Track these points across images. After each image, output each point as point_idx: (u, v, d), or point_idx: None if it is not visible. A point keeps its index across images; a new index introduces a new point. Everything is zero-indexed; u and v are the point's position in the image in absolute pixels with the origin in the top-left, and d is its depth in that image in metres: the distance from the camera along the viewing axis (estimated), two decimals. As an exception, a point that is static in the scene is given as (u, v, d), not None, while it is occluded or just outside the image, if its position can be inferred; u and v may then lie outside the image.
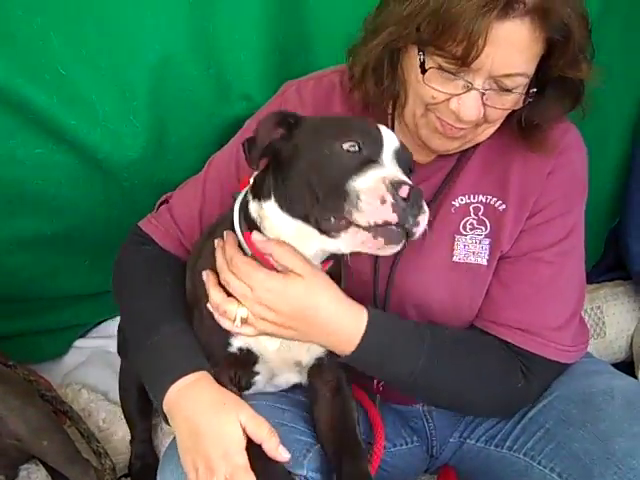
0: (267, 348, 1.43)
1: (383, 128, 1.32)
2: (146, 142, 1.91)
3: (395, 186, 1.19)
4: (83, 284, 2.25)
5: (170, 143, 1.96)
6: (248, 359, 1.44)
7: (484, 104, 1.39)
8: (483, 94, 1.37)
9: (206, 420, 1.35)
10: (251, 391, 1.53)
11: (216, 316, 1.38)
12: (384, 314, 1.49)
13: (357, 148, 1.26)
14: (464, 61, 1.33)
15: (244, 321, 1.35)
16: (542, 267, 1.55)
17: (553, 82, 1.45)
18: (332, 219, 1.23)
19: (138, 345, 1.49)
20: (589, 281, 2.08)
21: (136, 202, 1.92)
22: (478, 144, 1.53)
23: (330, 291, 1.35)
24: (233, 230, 1.40)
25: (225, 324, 1.36)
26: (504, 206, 1.54)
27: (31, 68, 1.76)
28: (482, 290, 1.56)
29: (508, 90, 1.38)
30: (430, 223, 1.30)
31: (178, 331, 1.45)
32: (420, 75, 1.39)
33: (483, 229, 1.54)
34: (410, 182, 1.23)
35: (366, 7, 1.73)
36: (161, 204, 1.74)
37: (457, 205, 1.55)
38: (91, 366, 2.27)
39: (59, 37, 1.77)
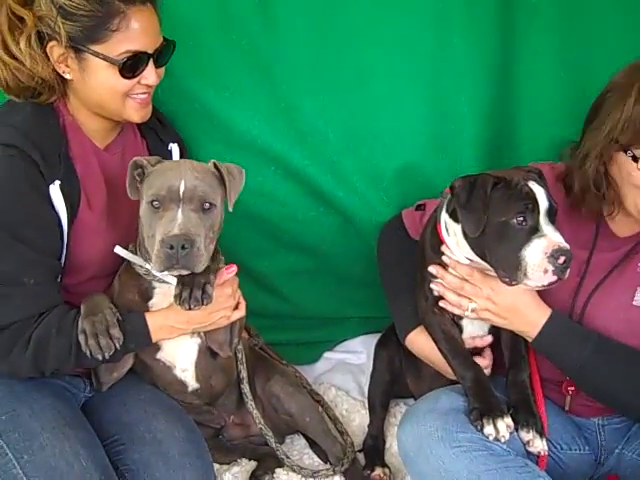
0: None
1: (536, 189, 1.82)
2: (394, 212, 2.46)
3: (555, 256, 1.76)
4: (335, 310, 2.82)
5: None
6: None
7: None
8: None
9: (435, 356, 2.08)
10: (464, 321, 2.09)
11: (449, 307, 2.03)
12: (563, 315, 1.99)
13: (523, 220, 1.80)
14: None
15: (472, 311, 1.98)
16: None
17: None
18: (506, 277, 1.83)
19: (388, 298, 2.27)
20: None
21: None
22: None
23: (529, 293, 1.94)
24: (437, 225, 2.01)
25: (456, 311, 2.01)
26: None
27: (314, 155, 2.42)
28: None
29: None
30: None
31: (406, 300, 2.18)
32: (633, 166, 1.81)
33: None
34: (563, 242, 1.76)
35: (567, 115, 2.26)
36: (418, 207, 2.33)
37: None
38: (336, 372, 2.80)
39: (335, 133, 2.41)
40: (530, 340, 1.99)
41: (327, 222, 2.55)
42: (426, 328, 2.12)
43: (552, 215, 1.84)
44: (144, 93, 1.98)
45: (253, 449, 2.34)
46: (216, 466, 2.24)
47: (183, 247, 1.75)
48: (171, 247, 1.75)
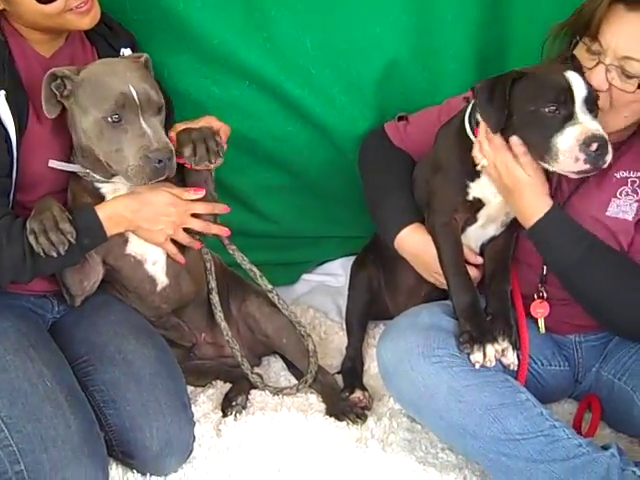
0: (492, 198, 1.99)
1: (573, 78, 1.78)
2: (373, 125, 2.40)
3: (587, 143, 1.72)
4: (313, 228, 2.77)
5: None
6: (477, 207, 2.01)
7: (609, 83, 1.81)
8: (608, 71, 1.79)
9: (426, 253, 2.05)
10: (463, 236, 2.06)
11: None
12: (565, 212, 1.94)
13: (555, 109, 1.77)
14: (594, 36, 1.79)
15: (482, 168, 1.94)
16: None
17: None
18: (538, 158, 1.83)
19: (373, 204, 2.24)
20: None
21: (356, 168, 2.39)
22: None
23: (538, 181, 1.88)
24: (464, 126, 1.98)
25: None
26: None
27: (291, 68, 2.33)
28: (627, 238, 1.95)
29: (630, 77, 1.78)
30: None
31: (396, 201, 2.16)
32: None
33: (635, 196, 1.95)
34: (598, 130, 1.73)
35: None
36: (400, 118, 2.29)
37: (618, 177, 1.96)
38: (315, 294, 2.78)
39: (312, 44, 2.31)
40: (528, 226, 1.92)
41: (305, 137, 2.48)
42: (434, 235, 2.05)
43: (590, 104, 1.79)
44: (83, 3, 1.87)
45: (227, 371, 2.31)
46: (191, 388, 2.22)
47: (169, 159, 1.80)
48: (160, 161, 1.79)
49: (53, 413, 1.75)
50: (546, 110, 1.78)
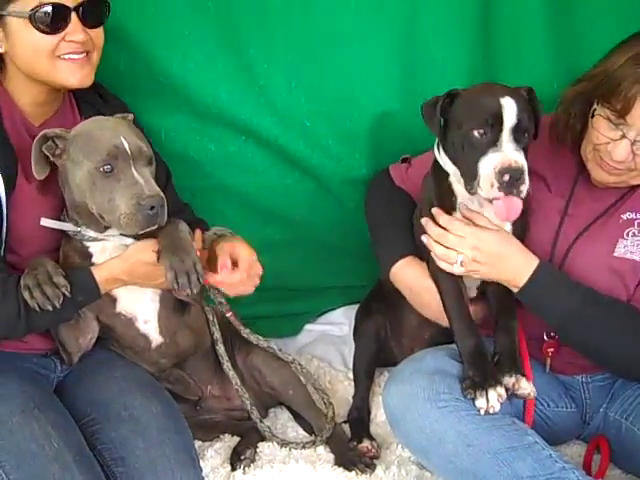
0: None
1: (507, 104, 1.78)
2: (369, 173, 2.44)
3: (502, 173, 1.74)
4: (314, 279, 2.79)
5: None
6: None
7: (634, 153, 1.83)
8: (633, 144, 1.82)
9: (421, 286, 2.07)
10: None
11: (437, 262, 1.97)
12: (551, 266, 1.96)
13: (483, 132, 1.79)
14: (621, 114, 1.80)
15: (462, 264, 1.92)
16: None
17: None
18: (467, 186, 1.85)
19: (373, 238, 2.27)
20: None
21: (357, 218, 2.42)
22: None
23: (515, 241, 1.93)
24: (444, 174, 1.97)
25: (445, 267, 1.95)
26: None
27: (286, 121, 2.36)
28: (634, 278, 1.96)
29: None
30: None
31: (393, 235, 2.18)
32: (591, 121, 1.89)
33: None
34: (516, 162, 1.75)
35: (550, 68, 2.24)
36: (403, 160, 2.35)
37: (625, 218, 1.99)
38: (318, 344, 2.78)
39: (306, 97, 2.36)
40: (516, 290, 1.94)
41: (303, 188, 2.51)
42: (435, 280, 2.05)
43: (519, 133, 1.80)
44: (76, 53, 1.90)
45: (235, 424, 2.30)
46: (198, 443, 2.20)
47: (161, 206, 1.80)
48: (152, 208, 1.78)
49: (61, 474, 1.74)
50: (474, 132, 1.81)
